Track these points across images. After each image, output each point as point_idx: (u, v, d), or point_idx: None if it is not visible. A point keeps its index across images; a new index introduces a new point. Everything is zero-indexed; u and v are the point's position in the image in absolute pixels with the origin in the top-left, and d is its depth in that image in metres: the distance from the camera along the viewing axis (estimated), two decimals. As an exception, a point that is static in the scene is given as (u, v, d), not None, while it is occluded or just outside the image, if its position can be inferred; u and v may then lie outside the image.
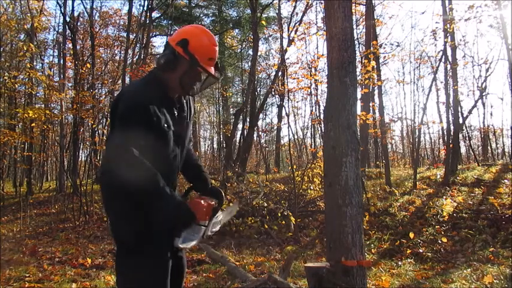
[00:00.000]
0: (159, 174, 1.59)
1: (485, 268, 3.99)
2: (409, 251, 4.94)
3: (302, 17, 12.74)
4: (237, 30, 18.60)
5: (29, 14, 13.88)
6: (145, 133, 1.59)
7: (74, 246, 6.30)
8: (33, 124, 13.64)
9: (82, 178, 11.60)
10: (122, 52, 19.13)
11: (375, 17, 12.60)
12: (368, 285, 3.22)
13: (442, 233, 5.41)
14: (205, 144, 26.70)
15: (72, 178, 12.20)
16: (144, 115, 1.60)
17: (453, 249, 4.95)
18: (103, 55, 20.21)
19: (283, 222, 6.72)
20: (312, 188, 8.20)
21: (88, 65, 13.87)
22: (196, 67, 1.77)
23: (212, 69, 1.85)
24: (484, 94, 13.76)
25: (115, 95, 19.44)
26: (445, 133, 10.29)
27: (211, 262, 4.79)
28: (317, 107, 14.54)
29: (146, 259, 1.65)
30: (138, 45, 15.91)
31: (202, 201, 1.77)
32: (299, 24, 12.42)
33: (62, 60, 15.64)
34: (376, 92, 11.30)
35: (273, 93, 14.53)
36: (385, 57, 14.60)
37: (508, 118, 24.69)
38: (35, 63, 16.46)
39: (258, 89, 18.43)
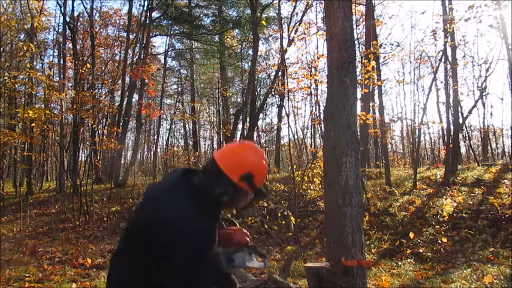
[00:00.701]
0: None
1: (485, 268, 3.99)
2: (409, 251, 4.94)
3: (302, 17, 12.75)
4: (237, 30, 18.60)
5: (29, 14, 13.88)
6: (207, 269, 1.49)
7: (74, 246, 6.30)
8: (33, 124, 13.64)
9: (82, 178, 11.60)
10: (122, 52, 19.17)
11: (375, 17, 12.60)
12: (368, 285, 3.22)
13: (442, 233, 5.41)
14: (205, 144, 26.69)
15: (72, 178, 12.19)
16: (211, 244, 1.49)
17: (453, 249, 4.95)
18: (103, 55, 20.23)
19: (283, 222, 6.72)
20: (312, 188, 8.20)
21: (88, 65, 13.85)
22: (258, 198, 1.66)
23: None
24: (484, 94, 13.75)
25: (115, 95, 19.54)
26: (445, 133, 10.29)
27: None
28: (317, 107, 14.53)
29: None
30: (138, 45, 15.93)
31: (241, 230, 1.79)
32: (299, 24, 12.41)
33: (62, 60, 15.62)
34: (376, 92, 11.29)
35: (273, 93, 14.53)
36: (385, 57, 14.61)
37: (508, 118, 24.74)
38: (35, 63, 16.46)
39: (258, 89, 18.43)
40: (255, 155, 1.60)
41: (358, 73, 7.35)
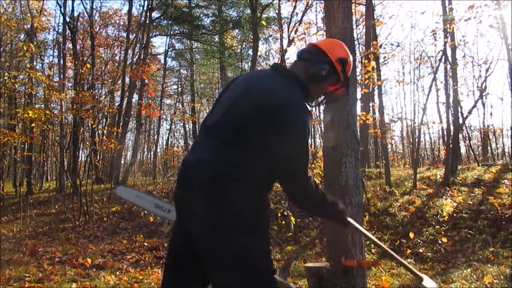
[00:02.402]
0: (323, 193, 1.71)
1: (485, 268, 3.99)
2: (409, 251, 4.94)
3: (302, 17, 12.70)
4: (237, 30, 18.58)
5: (29, 14, 13.88)
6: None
7: (74, 246, 6.30)
8: (33, 124, 13.62)
9: (82, 178, 11.59)
10: (122, 52, 19.16)
11: (375, 17, 12.59)
12: (368, 285, 3.22)
13: (442, 233, 5.41)
14: (205, 144, 26.65)
15: (72, 178, 12.19)
16: (310, 125, 1.60)
17: (453, 249, 4.95)
18: (103, 55, 20.22)
19: (283, 222, 6.72)
20: (312, 188, 8.19)
21: (88, 65, 13.84)
22: (344, 87, 1.81)
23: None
24: (484, 94, 13.75)
25: (115, 95, 19.53)
26: (445, 133, 10.29)
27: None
28: (317, 107, 14.49)
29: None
30: (138, 45, 15.92)
31: None
32: (299, 24, 12.38)
33: (62, 60, 15.62)
34: (376, 92, 11.30)
35: (273, 93, 14.49)
36: (385, 57, 14.59)
37: (508, 118, 24.70)
38: (35, 63, 16.45)
39: (258, 89, 18.35)
40: (347, 49, 1.82)
41: (358, 73, 7.34)
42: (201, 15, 18.29)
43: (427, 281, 1.96)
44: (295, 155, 1.53)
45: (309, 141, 1.60)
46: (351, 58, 1.81)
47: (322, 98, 1.87)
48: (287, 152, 1.49)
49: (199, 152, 1.60)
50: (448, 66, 9.21)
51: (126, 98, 15.49)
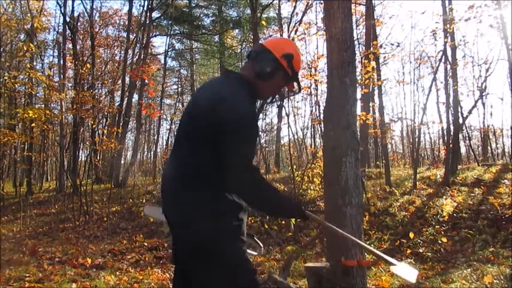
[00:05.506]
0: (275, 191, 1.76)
1: (485, 268, 3.99)
2: (409, 251, 4.94)
3: (302, 17, 12.77)
4: (237, 30, 18.61)
5: (29, 14, 13.91)
6: (256, 144, 1.68)
7: (74, 246, 6.31)
8: (33, 124, 13.63)
9: (82, 178, 11.60)
10: (122, 52, 19.17)
11: (375, 17, 12.59)
12: (368, 285, 3.22)
13: (442, 233, 5.41)
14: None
15: (72, 178, 12.19)
16: (256, 126, 1.65)
17: (453, 249, 4.95)
18: (103, 55, 20.24)
19: (283, 222, 6.72)
20: (312, 188, 8.20)
21: (88, 65, 13.85)
22: (292, 82, 1.85)
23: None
24: (484, 94, 13.72)
25: (115, 95, 19.54)
26: (445, 133, 10.28)
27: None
28: (317, 107, 14.49)
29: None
30: (138, 45, 15.93)
31: None
32: (299, 24, 12.43)
33: (62, 60, 15.64)
34: (376, 92, 11.29)
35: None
36: (385, 57, 14.58)
37: (508, 118, 24.71)
38: (35, 63, 16.48)
39: (258, 89, 18.35)
40: (295, 45, 1.90)
41: (358, 73, 7.34)
42: (201, 15, 18.32)
43: (400, 268, 1.97)
44: (238, 149, 1.55)
45: (254, 137, 1.65)
46: (300, 55, 1.85)
47: (276, 95, 1.90)
48: (230, 147, 1.54)
49: (170, 164, 1.77)
50: (448, 66, 9.20)
51: (126, 98, 15.50)
